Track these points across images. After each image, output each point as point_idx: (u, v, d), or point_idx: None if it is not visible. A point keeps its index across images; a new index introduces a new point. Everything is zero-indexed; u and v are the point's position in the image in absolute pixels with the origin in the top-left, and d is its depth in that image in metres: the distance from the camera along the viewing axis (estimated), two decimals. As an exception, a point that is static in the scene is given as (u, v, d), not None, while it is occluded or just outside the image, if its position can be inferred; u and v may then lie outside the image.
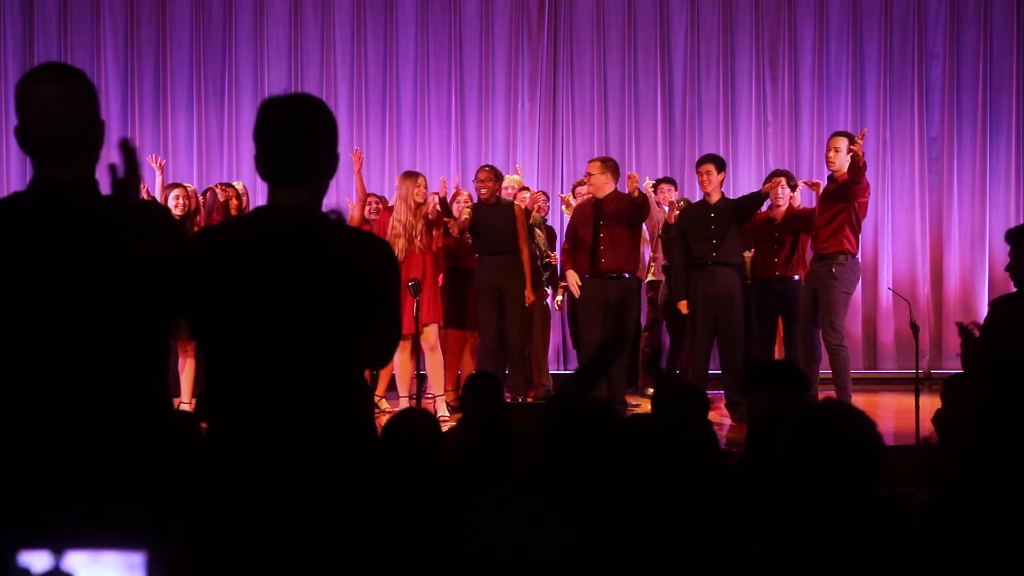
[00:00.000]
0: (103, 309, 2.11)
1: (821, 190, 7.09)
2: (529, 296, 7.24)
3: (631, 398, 7.38)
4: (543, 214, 8.34)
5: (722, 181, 7.14)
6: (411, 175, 7.30)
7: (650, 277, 8.19)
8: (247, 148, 9.43)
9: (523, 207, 7.61)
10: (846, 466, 2.21)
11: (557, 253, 8.06)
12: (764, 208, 7.31)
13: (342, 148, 2.38)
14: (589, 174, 7.16)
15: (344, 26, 9.83)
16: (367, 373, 2.48)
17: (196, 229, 6.79)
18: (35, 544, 1.62)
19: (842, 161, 6.72)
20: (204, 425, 2.33)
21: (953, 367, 8.86)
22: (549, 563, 2.25)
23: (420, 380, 7.38)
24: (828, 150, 6.89)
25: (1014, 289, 4.74)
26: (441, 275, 7.47)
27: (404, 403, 7.07)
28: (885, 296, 9.59)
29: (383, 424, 3.10)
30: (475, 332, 7.61)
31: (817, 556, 2.17)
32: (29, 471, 2.07)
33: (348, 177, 8.10)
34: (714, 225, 6.98)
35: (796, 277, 7.19)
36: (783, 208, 7.26)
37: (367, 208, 7.68)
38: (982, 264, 9.77)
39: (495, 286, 7.26)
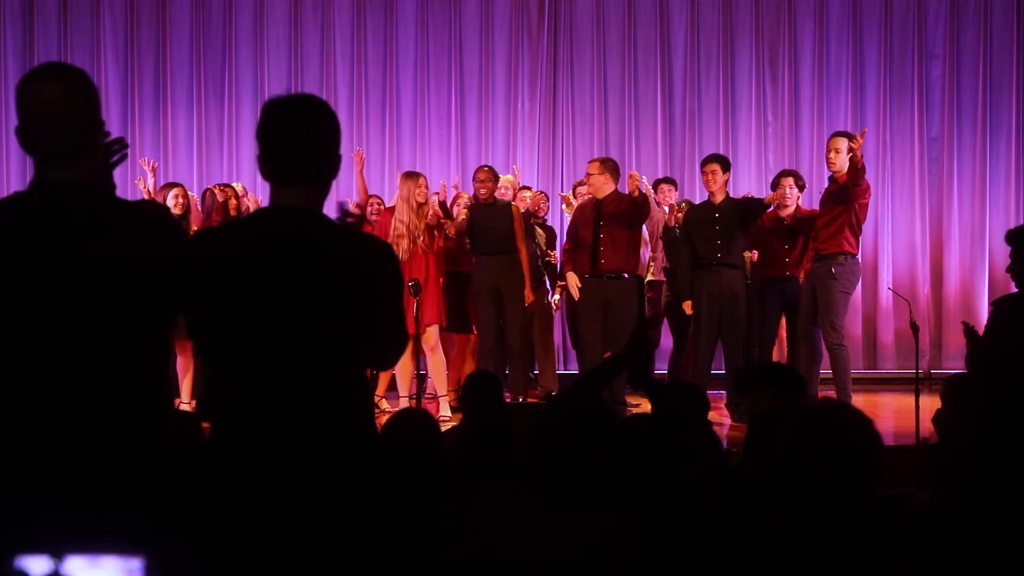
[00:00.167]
0: (103, 309, 2.11)
1: (823, 191, 7.09)
2: (528, 296, 7.24)
3: (631, 398, 7.38)
4: (543, 214, 8.34)
5: (727, 181, 7.15)
6: (412, 175, 7.30)
7: (649, 277, 8.19)
8: (247, 148, 9.49)
9: (521, 208, 7.62)
10: (846, 466, 2.21)
11: (557, 252, 8.07)
12: (772, 208, 7.32)
13: (342, 148, 2.38)
14: (588, 174, 7.17)
15: (344, 26, 9.83)
16: (367, 373, 2.48)
17: (189, 228, 6.78)
18: (35, 548, 1.62)
19: (842, 162, 6.71)
20: (206, 425, 2.33)
21: (953, 367, 8.87)
22: (549, 563, 2.25)
23: (420, 380, 7.38)
24: (828, 151, 6.88)
25: (1015, 289, 4.75)
26: (441, 278, 7.47)
27: (404, 403, 7.07)
28: (885, 296, 9.59)
29: (382, 424, 3.10)
30: (476, 334, 7.61)
31: (817, 556, 2.17)
32: (29, 472, 2.07)
33: (349, 177, 8.10)
34: (719, 226, 6.98)
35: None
36: (792, 208, 7.25)
37: (368, 209, 7.68)
38: (982, 264, 9.77)
39: (494, 286, 7.26)
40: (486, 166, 7.63)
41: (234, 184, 7.89)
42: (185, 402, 6.81)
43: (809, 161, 9.66)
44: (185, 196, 7.15)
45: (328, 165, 2.33)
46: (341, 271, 2.25)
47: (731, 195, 7.30)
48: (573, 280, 7.12)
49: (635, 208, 6.94)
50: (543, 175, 9.78)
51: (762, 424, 3.03)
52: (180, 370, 6.90)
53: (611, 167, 7.14)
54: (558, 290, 8.02)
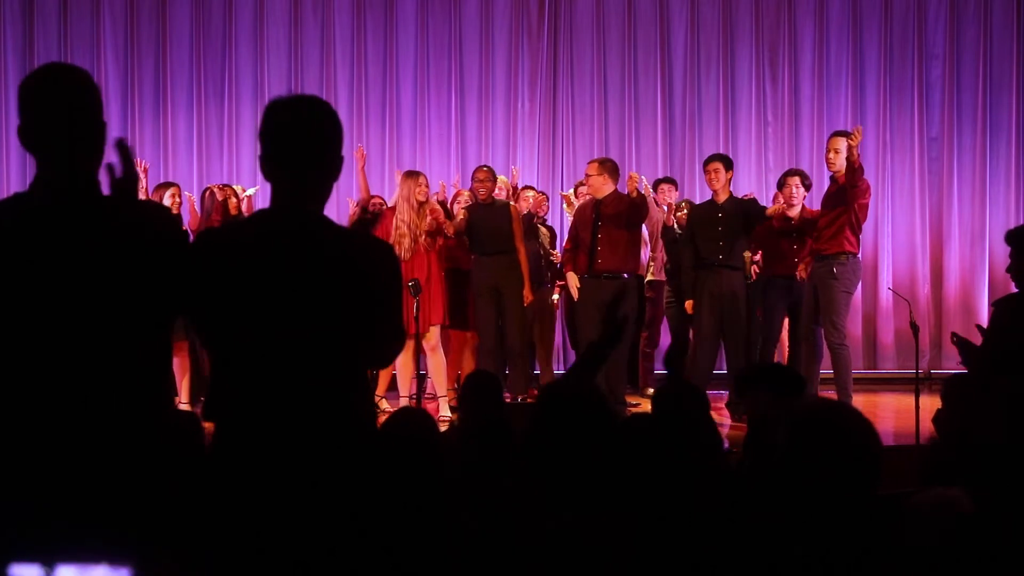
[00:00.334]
0: (104, 309, 2.12)
1: (824, 192, 7.09)
2: (528, 296, 7.24)
3: (631, 398, 7.38)
4: (543, 213, 8.35)
5: (729, 179, 7.15)
6: (412, 174, 7.30)
7: (649, 277, 8.19)
8: (247, 148, 9.49)
9: (524, 208, 7.62)
10: (845, 466, 2.21)
11: (558, 252, 8.07)
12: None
13: (343, 149, 2.38)
14: (587, 175, 7.17)
15: (344, 26, 9.83)
16: (368, 372, 2.49)
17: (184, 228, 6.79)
18: (27, 556, 1.63)
19: (842, 162, 6.71)
20: (207, 425, 2.33)
21: (953, 367, 8.86)
22: (548, 563, 2.25)
23: (420, 380, 7.38)
24: (828, 151, 6.88)
25: (1015, 289, 4.75)
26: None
27: (404, 403, 7.07)
28: (885, 296, 9.59)
29: (380, 424, 3.10)
30: (475, 332, 7.61)
31: (817, 556, 2.17)
32: (29, 472, 2.07)
33: (349, 177, 8.10)
34: (721, 226, 6.98)
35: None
36: (799, 208, 7.25)
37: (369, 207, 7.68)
38: (982, 264, 9.77)
39: (493, 286, 7.26)
40: (485, 166, 7.63)
41: (234, 186, 7.88)
42: (184, 403, 6.81)
43: (809, 161, 9.65)
44: (180, 196, 7.16)
45: (330, 166, 2.33)
46: (341, 271, 2.25)
47: (733, 195, 7.30)
48: (573, 280, 7.13)
49: (634, 209, 6.95)
50: (543, 175, 9.78)
51: (762, 424, 3.03)
52: (177, 372, 6.89)
53: (610, 168, 7.14)
54: (557, 289, 8.03)
